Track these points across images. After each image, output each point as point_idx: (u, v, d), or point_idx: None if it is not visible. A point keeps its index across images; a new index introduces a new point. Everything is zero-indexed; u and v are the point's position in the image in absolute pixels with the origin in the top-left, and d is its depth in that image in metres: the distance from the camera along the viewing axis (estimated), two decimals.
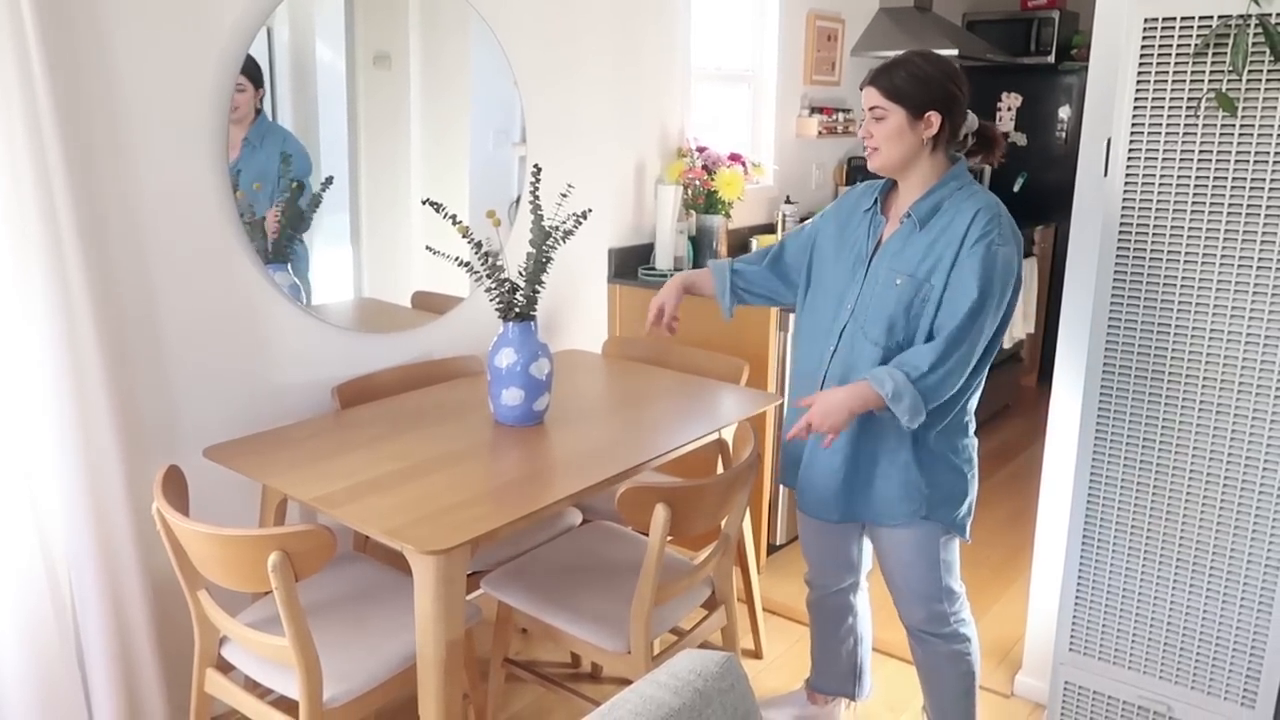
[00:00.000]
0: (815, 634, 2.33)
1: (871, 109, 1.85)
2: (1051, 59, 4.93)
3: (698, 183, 3.32)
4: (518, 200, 2.96)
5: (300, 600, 1.68)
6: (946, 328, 1.78)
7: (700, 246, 3.42)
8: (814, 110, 4.10)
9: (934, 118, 1.82)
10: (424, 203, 2.14)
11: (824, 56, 4.15)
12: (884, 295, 1.87)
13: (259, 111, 2.27)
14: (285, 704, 1.80)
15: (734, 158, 3.44)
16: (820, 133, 4.07)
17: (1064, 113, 5.05)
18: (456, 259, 2.16)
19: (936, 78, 1.82)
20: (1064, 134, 5.06)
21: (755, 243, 3.71)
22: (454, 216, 2.11)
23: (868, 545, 2.18)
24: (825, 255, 2.03)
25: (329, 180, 2.46)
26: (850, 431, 1.92)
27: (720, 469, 2.53)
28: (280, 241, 2.36)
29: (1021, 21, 4.98)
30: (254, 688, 1.90)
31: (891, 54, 4.35)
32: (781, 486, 3.15)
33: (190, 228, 2.15)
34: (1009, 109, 5.20)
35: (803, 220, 3.89)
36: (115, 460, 1.96)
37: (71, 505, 1.92)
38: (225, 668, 1.92)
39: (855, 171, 4.42)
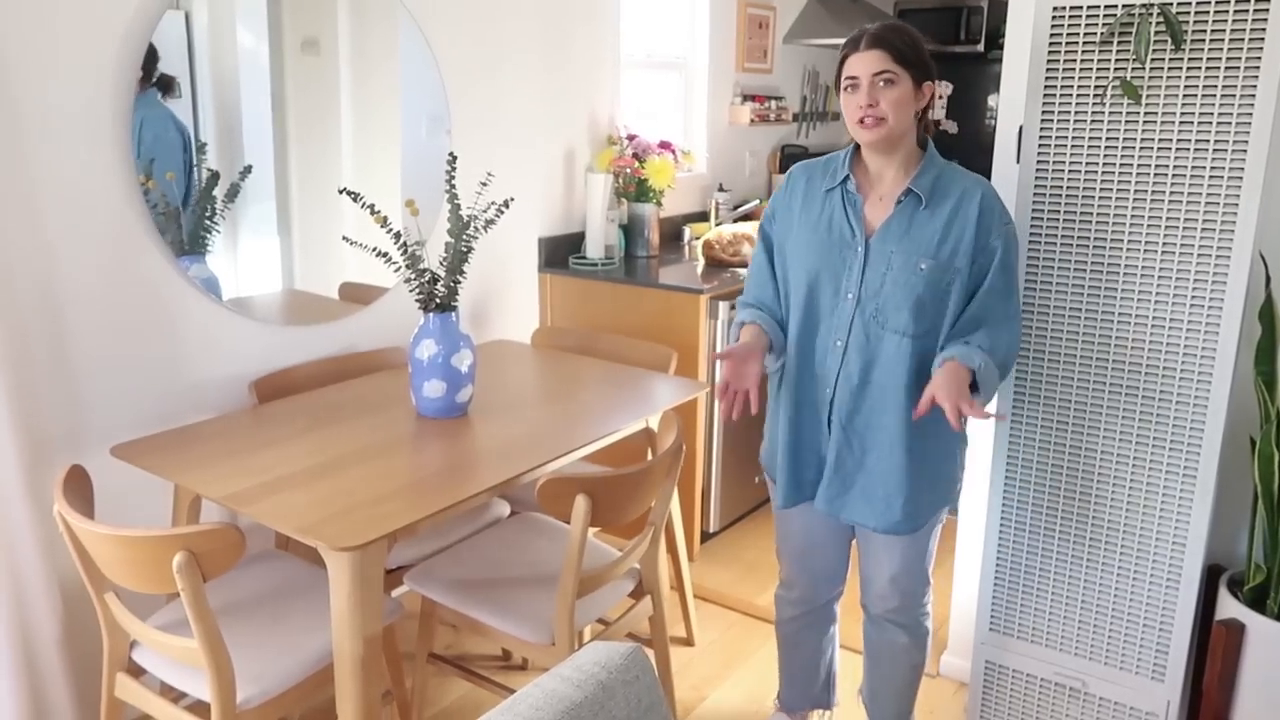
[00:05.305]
0: (792, 654, 2.22)
1: (880, 73, 1.72)
2: (981, 48, 4.99)
3: (628, 171, 3.31)
4: None
5: (216, 600, 1.64)
6: (995, 312, 1.79)
7: (632, 235, 3.41)
8: (746, 98, 4.11)
9: (928, 88, 1.78)
10: (341, 191, 2.09)
11: (755, 44, 4.15)
12: (904, 280, 1.77)
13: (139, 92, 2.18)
14: (200, 707, 1.76)
15: (664, 145, 3.43)
16: (753, 120, 4.08)
17: (993, 100, 5.13)
18: (374, 249, 2.12)
19: (924, 48, 1.77)
20: (994, 121, 5.13)
21: (688, 230, 3.71)
22: (371, 206, 2.07)
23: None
24: (797, 248, 1.88)
25: (248, 169, 2.40)
26: (910, 431, 1.81)
27: (650, 458, 2.53)
28: (196, 232, 2.29)
29: (951, 10, 5.04)
30: (168, 691, 1.85)
31: (824, 42, 4.42)
32: (701, 485, 3.15)
33: (94, 218, 2.07)
34: (940, 97, 5.27)
35: (737, 208, 3.90)
36: (15, 461, 1.90)
37: None
38: (136, 672, 1.87)
39: (788, 159, 4.44)
